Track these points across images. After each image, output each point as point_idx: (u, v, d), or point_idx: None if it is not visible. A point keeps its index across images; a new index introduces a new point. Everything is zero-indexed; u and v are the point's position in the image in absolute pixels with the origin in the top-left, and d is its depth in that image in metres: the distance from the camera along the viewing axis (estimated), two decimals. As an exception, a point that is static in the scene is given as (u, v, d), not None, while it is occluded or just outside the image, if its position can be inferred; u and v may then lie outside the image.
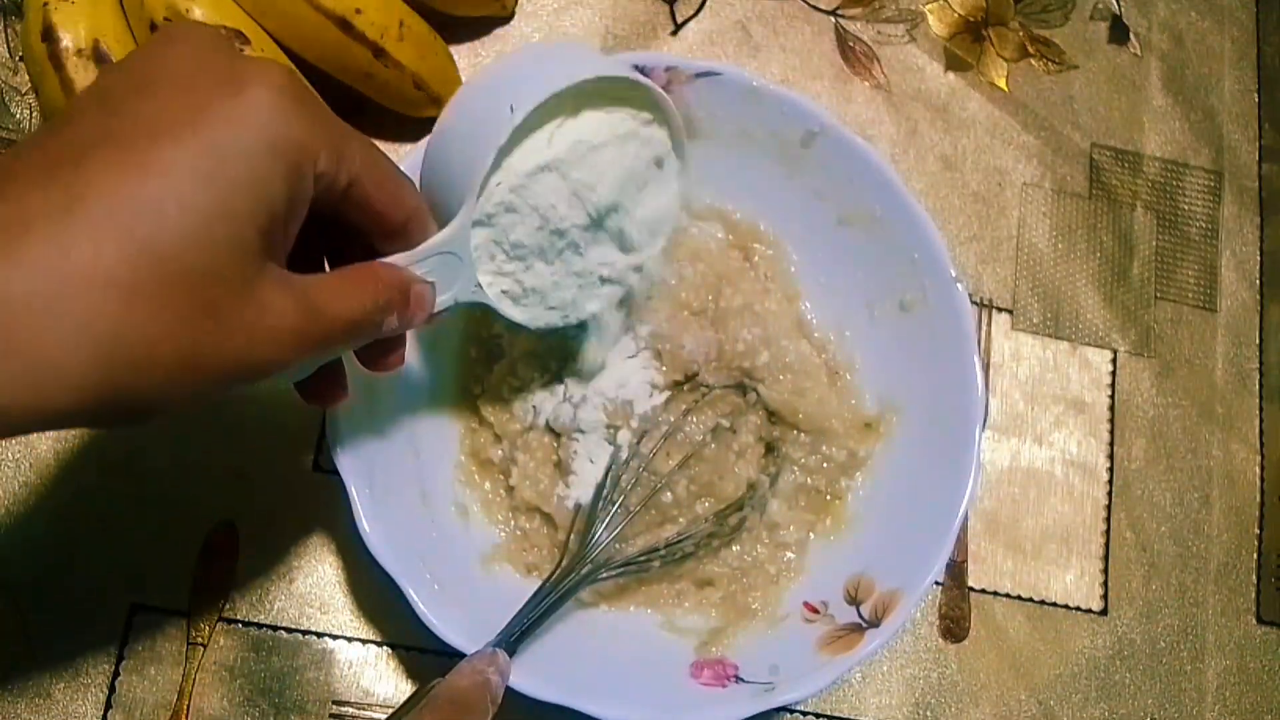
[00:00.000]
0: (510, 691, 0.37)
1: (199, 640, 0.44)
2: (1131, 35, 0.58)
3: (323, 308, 0.28)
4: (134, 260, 0.23)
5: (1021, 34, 0.58)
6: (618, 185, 0.38)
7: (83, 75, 0.43)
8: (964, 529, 0.49)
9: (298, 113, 0.26)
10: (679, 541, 0.43)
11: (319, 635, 0.45)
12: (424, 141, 0.43)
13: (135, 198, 0.23)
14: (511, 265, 0.37)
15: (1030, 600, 0.49)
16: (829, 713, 0.47)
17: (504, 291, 0.38)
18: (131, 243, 0.23)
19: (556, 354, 0.44)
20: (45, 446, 0.46)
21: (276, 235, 0.27)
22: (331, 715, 0.44)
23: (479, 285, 0.36)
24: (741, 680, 0.41)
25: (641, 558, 0.42)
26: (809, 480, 0.46)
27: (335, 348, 0.31)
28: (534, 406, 0.44)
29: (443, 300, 0.35)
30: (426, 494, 0.43)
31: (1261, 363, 0.54)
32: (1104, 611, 0.49)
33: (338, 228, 0.31)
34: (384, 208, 0.31)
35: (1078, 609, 0.49)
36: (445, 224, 0.34)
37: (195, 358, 0.25)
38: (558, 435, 0.44)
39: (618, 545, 0.42)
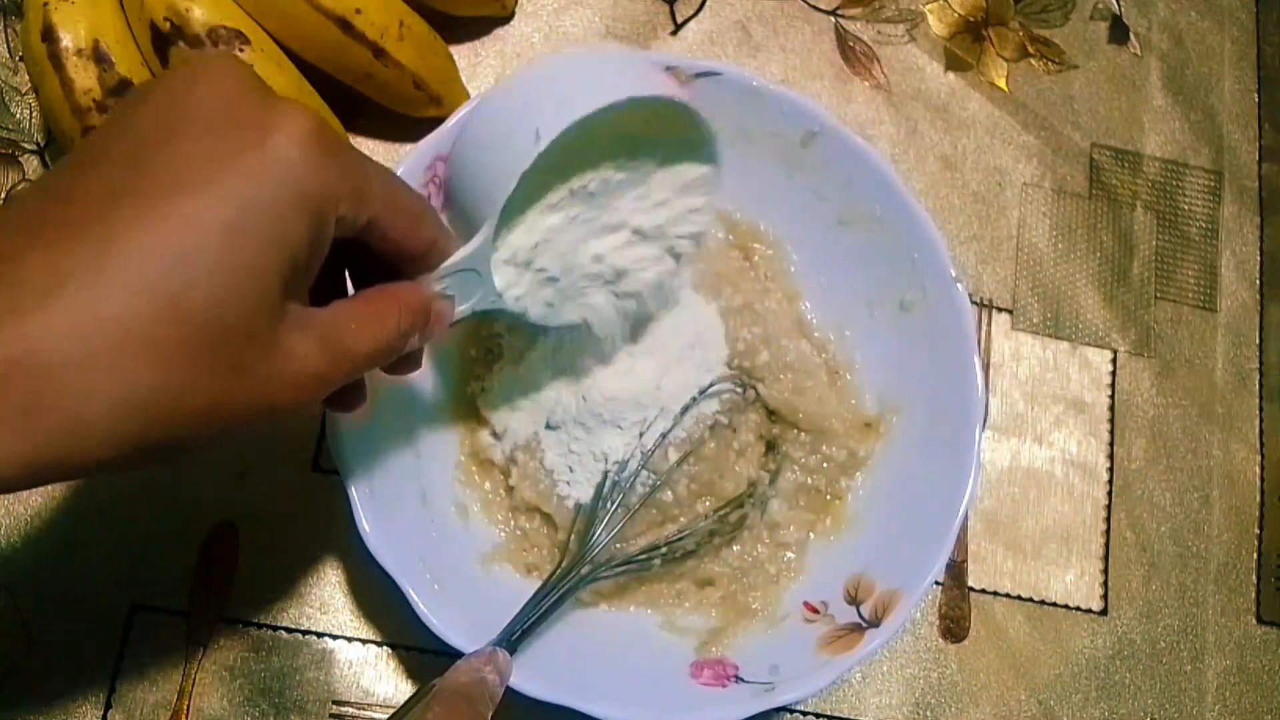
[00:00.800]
0: (510, 691, 0.37)
1: (199, 640, 0.44)
2: (1131, 35, 0.58)
3: (346, 344, 0.29)
4: (163, 318, 0.23)
5: (1021, 34, 0.58)
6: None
7: (83, 75, 0.43)
8: (964, 529, 0.49)
9: (321, 161, 0.26)
10: (679, 539, 0.43)
11: (319, 635, 0.45)
12: (424, 142, 0.43)
13: (163, 254, 0.24)
14: (529, 274, 0.37)
15: (1030, 600, 0.49)
16: (829, 713, 0.47)
17: (518, 297, 0.37)
18: (160, 300, 0.23)
19: (556, 353, 0.44)
20: (45, 446, 0.46)
21: (300, 279, 0.27)
22: (331, 715, 0.44)
23: (498, 295, 0.36)
24: (741, 680, 0.41)
25: (642, 556, 0.42)
26: (809, 480, 0.46)
27: (359, 375, 0.31)
28: (534, 406, 0.44)
29: (461, 311, 0.35)
30: (426, 494, 0.43)
31: (1261, 363, 0.54)
32: (1104, 611, 0.49)
33: (359, 250, 0.31)
34: (404, 241, 0.31)
35: (1078, 609, 0.49)
36: (467, 233, 0.34)
37: (223, 407, 0.25)
38: (558, 434, 0.44)
39: (618, 545, 0.42)
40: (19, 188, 0.49)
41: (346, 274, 0.34)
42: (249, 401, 0.26)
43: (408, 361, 0.35)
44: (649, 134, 0.37)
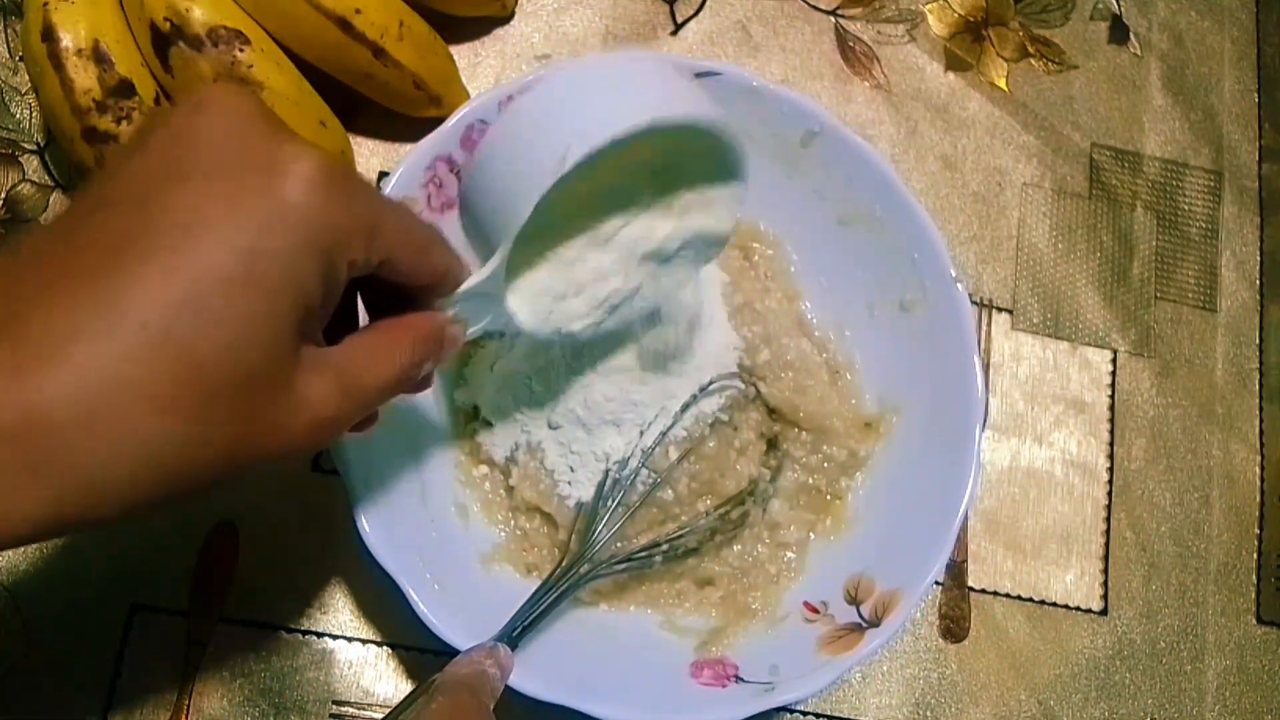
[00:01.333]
0: (510, 691, 0.37)
1: (199, 640, 0.44)
2: (1131, 35, 0.58)
3: (360, 381, 0.28)
4: (174, 372, 0.23)
5: (1021, 34, 0.58)
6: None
7: (83, 75, 0.43)
8: (964, 529, 0.49)
9: (331, 203, 0.25)
10: (681, 536, 0.43)
11: (319, 635, 0.45)
12: (424, 141, 0.43)
13: (171, 306, 0.23)
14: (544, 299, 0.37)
15: (1030, 600, 0.49)
16: (829, 713, 0.47)
17: (529, 319, 0.36)
18: (170, 354, 0.23)
19: (558, 352, 0.44)
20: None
21: (312, 322, 0.27)
22: (331, 715, 0.44)
23: (510, 316, 0.35)
24: (741, 680, 0.41)
25: (643, 553, 0.42)
26: (809, 480, 0.46)
27: (374, 409, 0.31)
28: (534, 406, 0.44)
29: (473, 332, 0.34)
30: (426, 494, 0.43)
31: (1261, 363, 0.54)
32: (1104, 611, 0.49)
33: (372, 280, 0.30)
34: (416, 274, 0.30)
35: (1078, 609, 0.49)
36: (478, 245, 0.34)
37: (238, 456, 0.25)
38: (559, 434, 0.44)
39: (618, 543, 0.42)
40: (19, 188, 0.49)
41: (360, 302, 0.33)
42: (264, 448, 0.25)
43: (420, 384, 0.34)
44: (675, 147, 0.35)
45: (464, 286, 0.32)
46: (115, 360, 0.22)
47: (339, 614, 0.45)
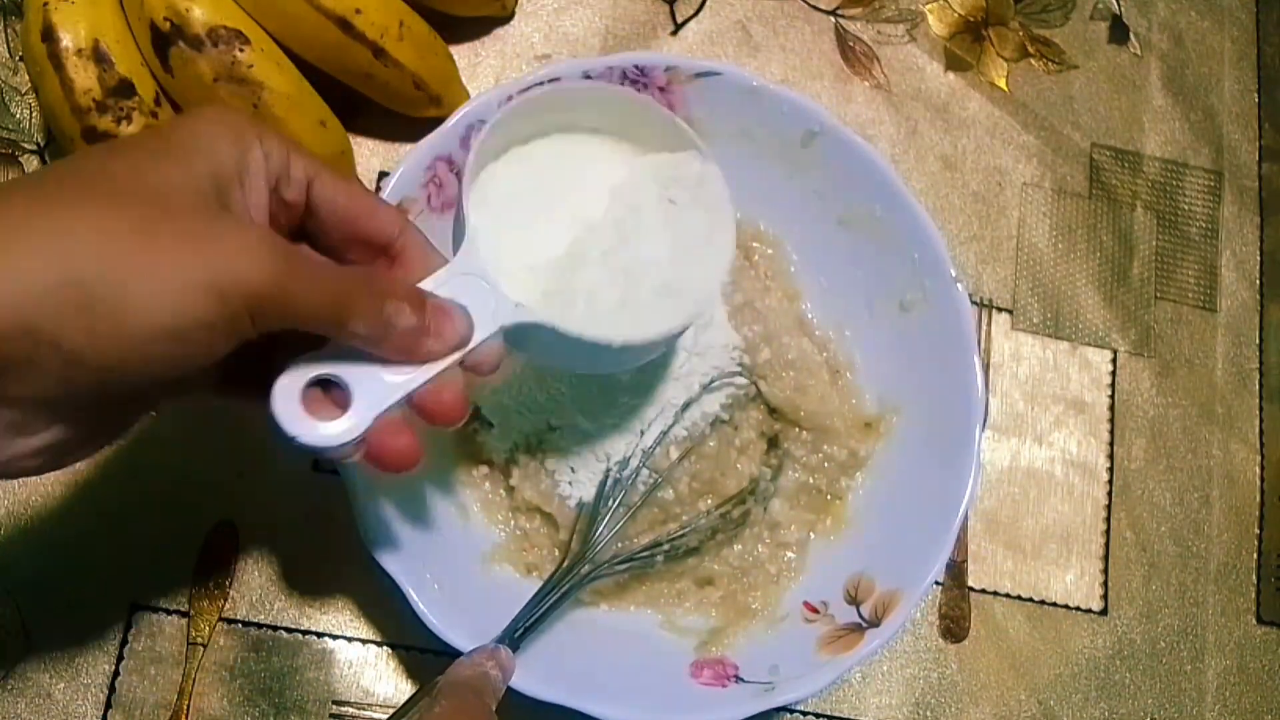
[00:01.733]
0: (510, 691, 0.37)
1: (199, 640, 0.44)
2: (1131, 35, 0.58)
3: (307, 254, 0.31)
4: (97, 200, 0.26)
5: (1021, 34, 0.58)
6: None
7: (83, 75, 0.43)
8: (964, 529, 0.49)
9: (245, 114, 0.30)
10: (683, 535, 0.43)
11: (319, 635, 0.45)
12: (423, 142, 0.43)
13: (103, 173, 0.27)
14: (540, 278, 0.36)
15: (1030, 600, 0.49)
16: (829, 713, 0.47)
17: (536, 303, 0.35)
18: (111, 187, 0.27)
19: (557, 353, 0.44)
20: (45, 446, 0.46)
21: (234, 195, 0.29)
22: (331, 715, 0.44)
23: (515, 304, 0.33)
24: (741, 680, 0.41)
25: (645, 552, 0.42)
26: (810, 480, 0.46)
27: (323, 297, 0.28)
28: (535, 406, 0.44)
29: (485, 327, 0.32)
30: (426, 494, 0.43)
31: (1261, 363, 0.54)
32: (1104, 611, 0.49)
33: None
34: (358, 217, 0.32)
35: (1078, 609, 0.49)
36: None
37: (185, 264, 0.26)
38: (559, 434, 0.44)
39: (620, 544, 0.42)
40: (19, 188, 0.49)
41: None
42: (204, 265, 0.26)
43: (453, 406, 0.33)
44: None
45: (442, 271, 0.32)
46: (69, 197, 0.26)
47: (339, 614, 0.45)
